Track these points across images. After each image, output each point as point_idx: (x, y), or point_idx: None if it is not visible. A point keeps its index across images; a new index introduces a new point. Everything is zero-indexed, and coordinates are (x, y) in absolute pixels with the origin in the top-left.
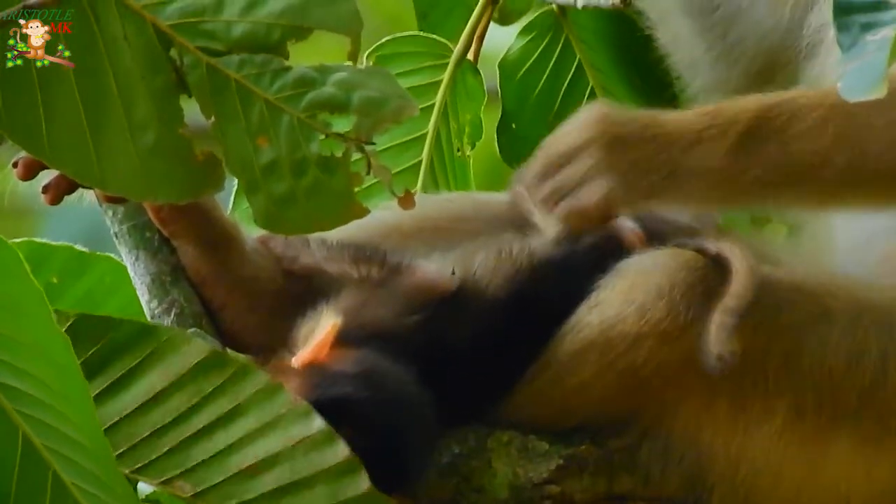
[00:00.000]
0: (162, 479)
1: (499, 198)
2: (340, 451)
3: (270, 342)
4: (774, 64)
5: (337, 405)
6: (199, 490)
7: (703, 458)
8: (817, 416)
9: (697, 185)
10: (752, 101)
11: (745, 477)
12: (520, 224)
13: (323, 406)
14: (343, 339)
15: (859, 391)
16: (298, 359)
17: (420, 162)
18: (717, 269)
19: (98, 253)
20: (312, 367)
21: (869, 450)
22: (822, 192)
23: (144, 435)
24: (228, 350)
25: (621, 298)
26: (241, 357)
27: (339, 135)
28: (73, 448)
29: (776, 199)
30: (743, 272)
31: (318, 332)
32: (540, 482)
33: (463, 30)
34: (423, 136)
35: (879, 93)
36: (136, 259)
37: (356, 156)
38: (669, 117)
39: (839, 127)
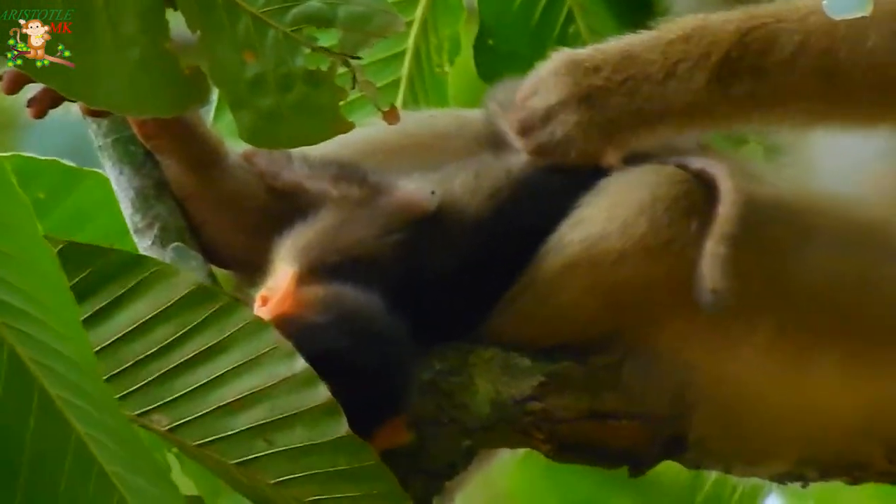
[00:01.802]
0: (140, 412)
1: (481, 115)
2: (321, 393)
3: (252, 259)
4: None
5: (317, 361)
6: (175, 424)
7: (687, 375)
8: (801, 334)
9: (677, 119)
10: (727, 28)
11: (728, 395)
12: (500, 142)
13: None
14: (306, 278)
15: (843, 309)
16: (265, 315)
17: (399, 79)
18: (700, 185)
19: (86, 168)
20: (282, 321)
21: (853, 367)
22: (799, 117)
23: (126, 365)
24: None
25: (604, 215)
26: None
27: (324, 49)
28: (60, 361)
29: (754, 123)
30: (729, 193)
31: (278, 283)
32: (522, 399)
33: None
34: (403, 53)
35: (865, 10)
36: (120, 173)
37: (341, 70)
38: (639, 49)
39: (815, 58)
